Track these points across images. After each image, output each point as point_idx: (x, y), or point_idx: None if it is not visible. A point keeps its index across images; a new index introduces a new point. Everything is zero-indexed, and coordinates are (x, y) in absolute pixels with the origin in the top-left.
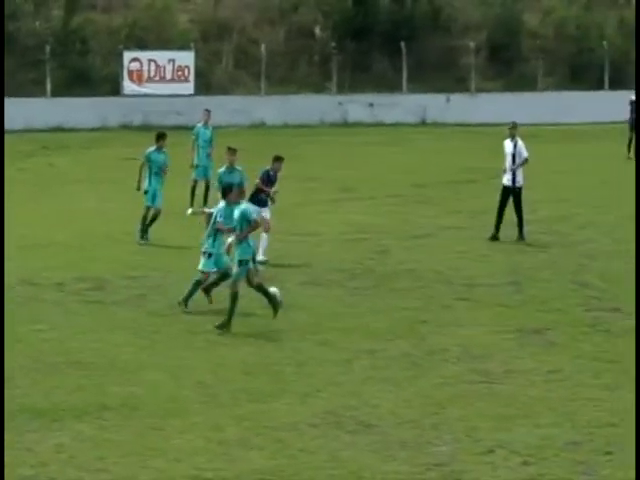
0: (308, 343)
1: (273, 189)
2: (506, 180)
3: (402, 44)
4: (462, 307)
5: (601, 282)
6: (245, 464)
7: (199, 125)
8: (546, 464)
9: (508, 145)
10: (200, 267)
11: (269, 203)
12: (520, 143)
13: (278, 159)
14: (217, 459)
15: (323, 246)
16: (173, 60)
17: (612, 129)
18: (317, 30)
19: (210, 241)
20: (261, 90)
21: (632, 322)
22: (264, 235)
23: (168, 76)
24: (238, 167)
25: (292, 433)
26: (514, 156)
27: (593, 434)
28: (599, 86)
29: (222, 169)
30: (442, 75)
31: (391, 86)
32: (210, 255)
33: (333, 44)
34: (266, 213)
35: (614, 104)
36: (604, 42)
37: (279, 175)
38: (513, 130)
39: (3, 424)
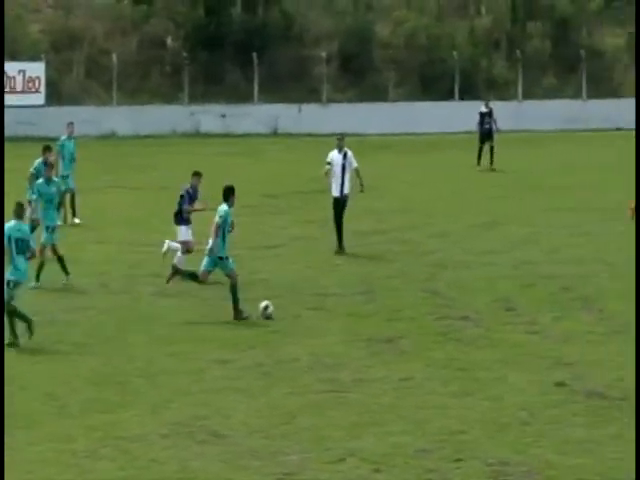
0: (160, 354)
1: (201, 206)
2: (335, 191)
3: (254, 54)
4: (313, 317)
5: (451, 291)
6: (95, 475)
7: (63, 137)
8: (396, 472)
9: (336, 156)
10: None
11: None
12: (350, 153)
13: (196, 174)
14: (68, 470)
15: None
16: (24, 71)
17: (462, 139)
18: (169, 40)
19: (223, 245)
20: (112, 100)
21: (481, 330)
22: (180, 255)
23: (19, 87)
24: (55, 179)
25: (142, 444)
26: (344, 167)
27: (443, 441)
28: (449, 96)
29: (40, 181)
30: (294, 85)
31: (243, 96)
32: (221, 259)
33: (185, 54)
34: (188, 234)
35: (464, 114)
36: (454, 52)
37: (200, 190)
38: (341, 142)
39: (3, 427)
